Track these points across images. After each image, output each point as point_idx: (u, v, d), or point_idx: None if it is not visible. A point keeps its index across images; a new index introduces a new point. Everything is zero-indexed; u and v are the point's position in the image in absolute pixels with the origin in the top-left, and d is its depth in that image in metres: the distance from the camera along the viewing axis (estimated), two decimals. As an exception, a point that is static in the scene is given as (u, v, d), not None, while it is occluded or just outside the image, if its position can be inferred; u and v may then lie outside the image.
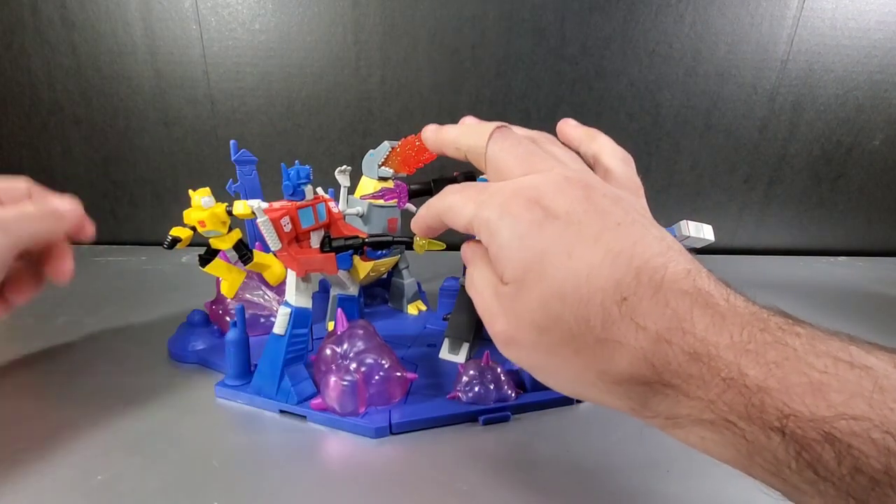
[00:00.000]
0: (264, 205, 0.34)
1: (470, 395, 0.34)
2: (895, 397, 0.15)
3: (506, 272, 0.22)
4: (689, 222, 0.41)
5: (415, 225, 0.29)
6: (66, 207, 0.37)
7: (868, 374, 0.15)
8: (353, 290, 0.46)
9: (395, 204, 0.38)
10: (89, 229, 0.38)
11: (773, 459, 0.16)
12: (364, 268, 0.47)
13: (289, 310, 0.34)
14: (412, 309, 0.51)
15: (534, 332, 0.21)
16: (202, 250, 0.38)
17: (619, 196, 0.23)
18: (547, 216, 0.21)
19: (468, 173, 0.38)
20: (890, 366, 0.15)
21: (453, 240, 0.46)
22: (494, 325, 0.22)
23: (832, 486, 0.15)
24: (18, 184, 0.37)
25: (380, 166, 0.44)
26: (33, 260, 0.35)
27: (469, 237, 0.27)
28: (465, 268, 0.54)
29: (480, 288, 0.24)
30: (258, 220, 0.32)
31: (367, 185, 0.46)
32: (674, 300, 0.18)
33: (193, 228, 0.36)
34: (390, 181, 0.45)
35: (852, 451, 0.14)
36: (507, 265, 0.21)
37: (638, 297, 0.19)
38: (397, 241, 0.37)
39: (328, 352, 0.34)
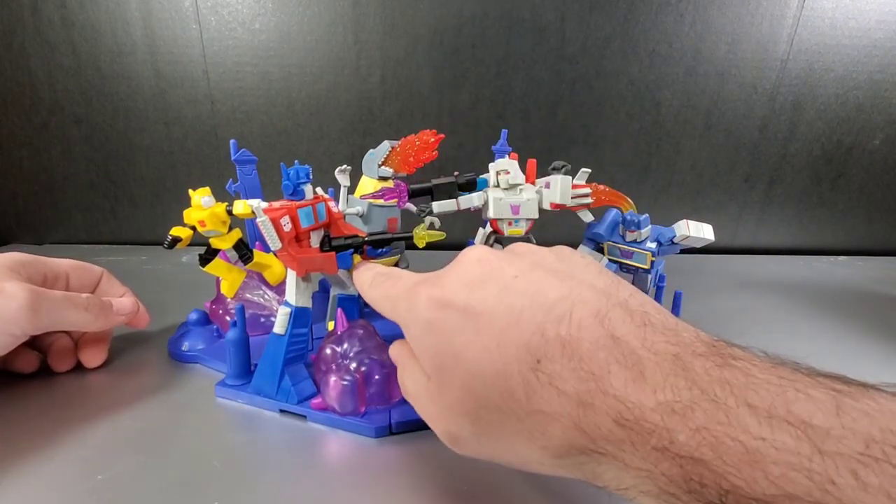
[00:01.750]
0: (264, 204, 0.34)
1: (470, 394, 0.34)
2: (835, 464, 0.13)
3: (426, 366, 0.22)
4: (689, 222, 0.41)
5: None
6: (122, 308, 0.40)
7: (806, 435, 0.14)
8: (353, 290, 0.46)
9: (396, 204, 0.38)
10: (143, 320, 0.42)
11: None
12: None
13: (289, 309, 0.34)
14: (412, 309, 0.51)
15: (468, 422, 0.20)
16: (202, 250, 0.38)
17: (505, 253, 0.23)
18: (443, 305, 0.21)
19: (468, 174, 0.38)
20: (830, 409, 0.14)
21: (453, 237, 0.46)
22: (436, 428, 0.22)
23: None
24: (93, 270, 0.41)
25: (380, 166, 0.44)
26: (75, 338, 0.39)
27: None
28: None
29: (413, 392, 0.24)
30: (258, 220, 0.32)
31: (367, 184, 0.46)
32: (587, 356, 0.17)
33: (193, 228, 0.36)
34: (390, 181, 0.45)
35: None
36: (424, 359, 0.22)
37: (549, 357, 0.18)
38: (397, 238, 0.37)
39: (328, 351, 0.34)
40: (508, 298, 0.19)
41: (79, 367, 0.40)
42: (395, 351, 0.27)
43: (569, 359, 0.17)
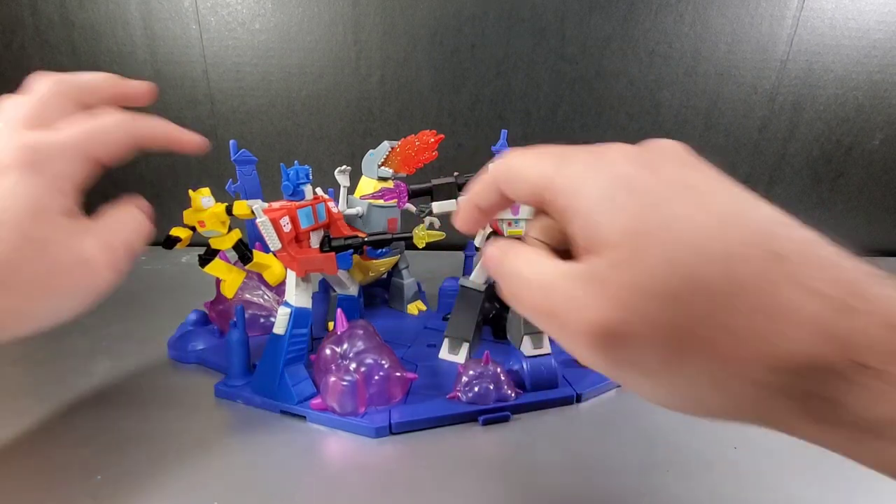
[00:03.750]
0: (264, 205, 0.34)
1: (470, 395, 0.34)
2: None
3: (600, 238, 0.15)
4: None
5: (463, 209, 0.22)
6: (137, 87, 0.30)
7: None
8: (352, 290, 0.46)
9: (395, 204, 0.38)
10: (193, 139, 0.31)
11: None
12: (364, 270, 0.47)
13: (289, 310, 0.34)
14: (412, 309, 0.51)
15: (660, 307, 0.14)
16: (202, 250, 0.38)
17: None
18: (652, 167, 0.16)
19: (468, 175, 0.38)
20: None
21: (453, 238, 0.46)
22: (582, 314, 0.15)
23: None
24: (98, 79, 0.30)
25: (379, 166, 0.44)
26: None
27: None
28: (465, 267, 0.54)
29: (537, 278, 0.17)
30: (258, 221, 0.32)
31: (367, 185, 0.46)
32: (839, 261, 0.14)
33: (193, 228, 0.36)
34: (390, 181, 0.45)
35: None
36: (606, 227, 0.15)
37: (798, 254, 0.14)
38: (397, 238, 0.37)
39: (328, 352, 0.35)
40: (729, 188, 0.16)
41: (78, 366, 0.40)
42: (499, 246, 0.19)
43: (820, 263, 0.14)
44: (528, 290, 0.17)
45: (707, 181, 0.16)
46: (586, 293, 0.15)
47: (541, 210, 0.19)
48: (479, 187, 0.21)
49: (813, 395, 0.14)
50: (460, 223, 0.23)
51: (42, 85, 0.26)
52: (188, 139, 0.30)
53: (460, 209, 0.23)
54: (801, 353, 0.13)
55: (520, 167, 0.19)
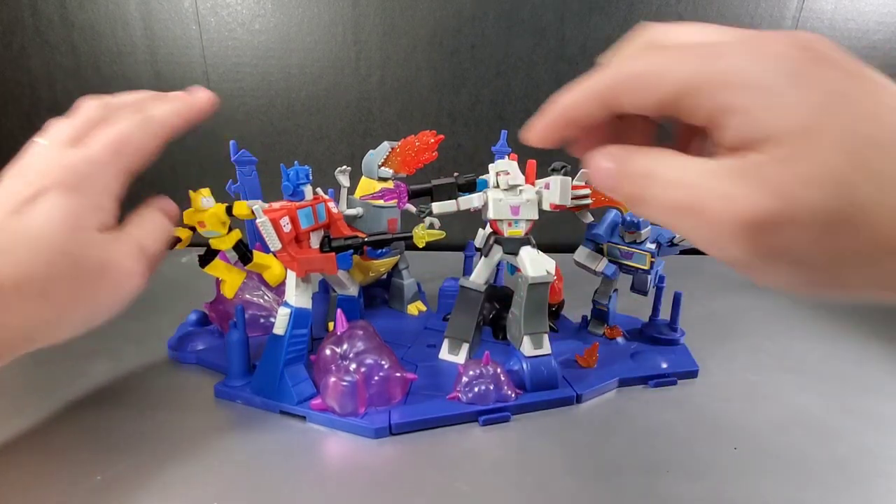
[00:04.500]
0: (264, 205, 0.34)
1: (470, 395, 0.34)
2: None
3: (764, 134, 0.15)
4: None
5: (549, 118, 0.20)
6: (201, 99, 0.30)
7: None
8: (352, 291, 0.46)
9: (395, 204, 0.38)
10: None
11: None
12: (364, 271, 0.47)
13: (288, 310, 0.34)
14: (412, 309, 0.51)
15: (823, 193, 0.14)
16: (202, 251, 0.38)
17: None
18: (817, 59, 0.15)
19: (468, 175, 0.38)
20: None
21: (453, 238, 0.46)
22: (736, 206, 0.15)
23: None
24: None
25: (380, 167, 0.44)
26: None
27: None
28: (465, 267, 0.54)
29: (676, 175, 0.16)
30: (258, 221, 0.32)
31: (367, 185, 0.46)
32: None
33: (193, 229, 0.36)
34: (390, 181, 0.45)
35: None
36: (774, 123, 0.15)
37: None
38: (397, 238, 0.37)
39: (328, 352, 0.34)
40: (889, 81, 0.16)
41: (78, 366, 0.40)
42: (615, 147, 0.18)
43: None
44: (665, 188, 0.17)
45: (871, 73, 0.16)
46: (741, 187, 0.15)
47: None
48: (581, 95, 0.19)
49: None
50: (538, 133, 0.21)
51: (88, 106, 0.29)
52: (200, 106, 0.30)
53: (545, 119, 0.21)
54: None
55: (655, 70, 0.17)
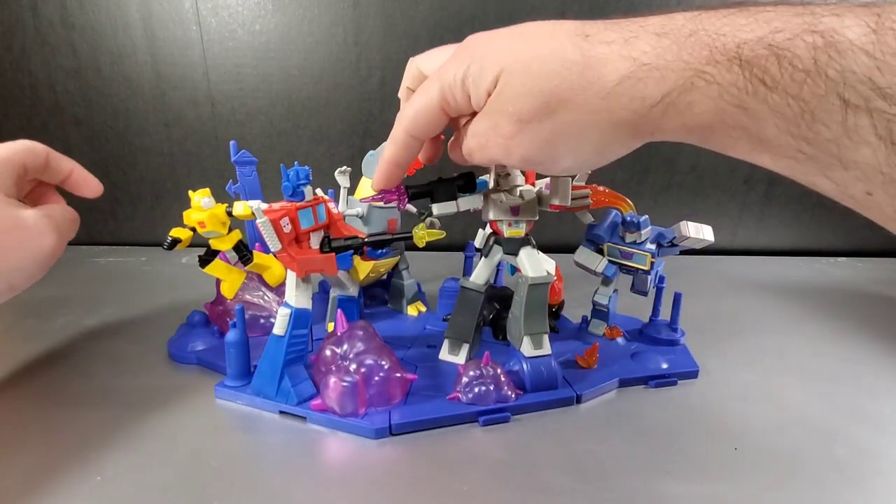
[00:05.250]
0: (264, 206, 0.34)
1: (470, 395, 0.34)
2: (823, 11, 0.18)
3: (486, 85, 0.25)
4: (689, 223, 0.41)
5: (383, 171, 0.31)
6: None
7: (807, 10, 0.18)
8: (352, 291, 0.46)
9: (396, 205, 0.38)
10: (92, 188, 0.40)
11: (736, 92, 0.20)
12: (364, 268, 0.47)
13: (289, 311, 0.34)
14: (412, 310, 0.51)
15: (531, 97, 0.23)
16: (202, 251, 0.38)
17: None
18: (489, 37, 0.26)
19: (468, 174, 0.38)
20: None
21: (453, 238, 0.46)
22: (498, 131, 0.25)
23: (777, 93, 0.19)
24: (38, 152, 0.37)
25: (380, 167, 0.44)
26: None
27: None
28: (465, 267, 0.54)
29: (472, 129, 0.27)
30: (258, 221, 0.32)
31: (367, 185, 0.46)
32: (623, 22, 0.23)
33: (193, 229, 0.36)
34: (390, 182, 0.45)
35: (788, 56, 0.18)
36: (484, 79, 0.25)
37: (595, 29, 0.23)
38: (397, 238, 0.37)
39: (328, 353, 0.35)
40: (545, 24, 0.25)
41: (78, 367, 0.40)
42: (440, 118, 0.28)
43: (611, 27, 0.23)
44: (471, 137, 0.27)
45: (525, 27, 0.25)
46: (492, 118, 0.26)
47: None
48: (394, 146, 0.30)
49: (635, 96, 0.22)
50: (380, 183, 0.32)
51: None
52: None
53: (380, 172, 0.31)
54: (614, 76, 0.22)
55: (420, 106, 0.28)
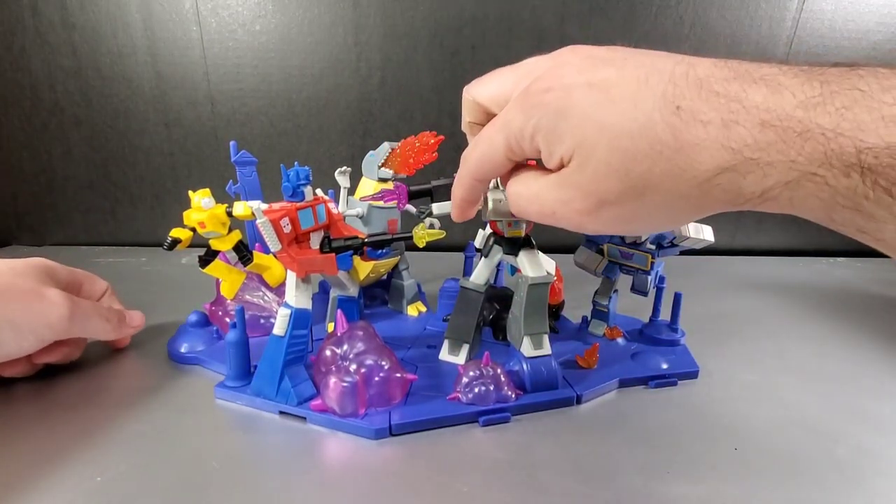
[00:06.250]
0: (264, 206, 0.34)
1: (470, 396, 0.34)
2: None
3: (562, 151, 0.23)
4: (689, 223, 0.41)
5: (456, 211, 0.31)
6: (133, 321, 0.42)
7: None
8: (352, 292, 0.46)
9: (395, 205, 0.38)
10: (126, 341, 0.44)
11: (853, 195, 0.18)
12: (364, 268, 0.47)
13: (289, 311, 0.34)
14: (412, 310, 0.51)
15: (616, 180, 0.22)
16: (202, 251, 0.38)
17: (601, 49, 0.24)
18: (564, 87, 0.22)
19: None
20: None
21: (453, 238, 0.46)
22: (572, 206, 0.23)
23: None
24: (100, 283, 0.43)
25: (380, 167, 0.44)
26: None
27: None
28: (465, 268, 0.54)
29: (536, 189, 0.25)
30: (258, 222, 0.32)
31: (367, 186, 0.46)
32: (721, 89, 0.20)
33: (193, 230, 0.36)
34: (390, 182, 0.45)
35: None
36: (560, 143, 0.22)
37: (688, 99, 0.20)
38: (397, 238, 0.37)
39: (328, 353, 0.34)
40: (629, 71, 0.22)
41: (78, 367, 0.40)
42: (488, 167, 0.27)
43: (706, 96, 0.20)
44: (529, 202, 0.26)
45: (612, 63, 0.22)
46: (567, 193, 0.23)
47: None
48: (462, 189, 0.29)
49: (728, 186, 0.20)
50: (458, 216, 0.32)
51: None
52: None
53: (455, 208, 0.31)
54: (709, 166, 0.20)
55: (485, 156, 0.26)
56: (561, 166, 0.23)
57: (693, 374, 0.41)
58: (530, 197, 0.25)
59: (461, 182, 0.29)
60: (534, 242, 0.38)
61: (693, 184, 0.20)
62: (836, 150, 0.17)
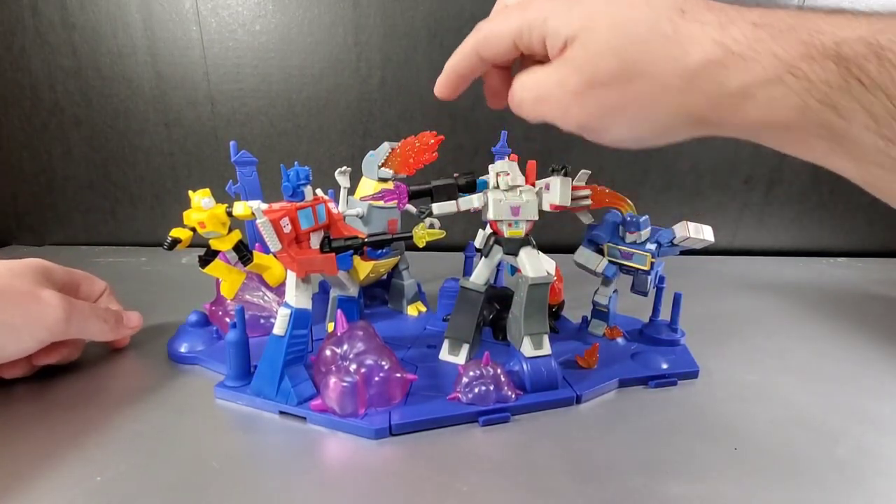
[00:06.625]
0: (264, 206, 0.34)
1: (470, 396, 0.34)
2: None
3: (568, 33, 0.24)
4: (689, 223, 0.41)
5: (446, 76, 0.31)
6: (131, 321, 0.42)
7: None
8: (352, 291, 0.46)
9: (395, 205, 0.38)
10: (125, 341, 0.44)
11: (828, 89, 0.19)
12: (364, 268, 0.47)
13: (289, 311, 0.34)
14: (412, 310, 0.51)
15: (612, 57, 0.23)
16: (202, 251, 0.38)
17: None
18: None
19: (468, 174, 0.39)
20: None
21: (453, 238, 0.46)
22: (566, 87, 0.25)
23: (872, 92, 0.18)
24: (99, 283, 0.43)
25: (380, 167, 0.45)
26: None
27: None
28: (465, 268, 0.54)
29: (535, 79, 0.27)
30: (258, 221, 0.32)
31: (367, 186, 0.46)
32: (723, 5, 0.22)
33: (193, 229, 0.36)
34: (390, 182, 0.45)
35: (889, 56, 0.18)
36: (568, 26, 0.24)
37: (693, 5, 0.22)
38: (397, 238, 0.37)
39: (328, 353, 0.35)
40: None
41: (78, 367, 0.40)
42: (496, 79, 0.30)
43: (709, 7, 0.22)
44: (528, 90, 0.27)
45: None
46: (564, 73, 0.25)
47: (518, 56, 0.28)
48: (460, 56, 0.30)
49: (712, 81, 0.22)
50: (442, 89, 0.31)
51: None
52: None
53: (442, 77, 0.31)
54: (699, 58, 0.21)
55: (495, 29, 0.28)
56: (559, 55, 0.25)
57: (693, 374, 0.41)
58: (530, 84, 0.27)
59: (461, 48, 0.29)
60: (534, 242, 0.38)
61: (681, 73, 0.22)
62: (817, 45, 0.19)
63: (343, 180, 0.45)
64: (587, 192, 0.41)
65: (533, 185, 0.39)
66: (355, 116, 0.74)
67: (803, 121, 0.20)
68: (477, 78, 0.31)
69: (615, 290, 0.47)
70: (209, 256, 0.38)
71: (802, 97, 0.20)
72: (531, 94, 0.27)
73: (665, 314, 0.46)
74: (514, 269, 0.40)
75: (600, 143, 0.27)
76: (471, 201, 0.38)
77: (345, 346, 0.34)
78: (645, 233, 0.42)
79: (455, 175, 0.39)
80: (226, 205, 0.36)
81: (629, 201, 0.44)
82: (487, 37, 0.28)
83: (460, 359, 0.41)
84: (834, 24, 0.19)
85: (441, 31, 0.70)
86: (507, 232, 0.38)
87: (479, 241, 0.49)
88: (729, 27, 0.21)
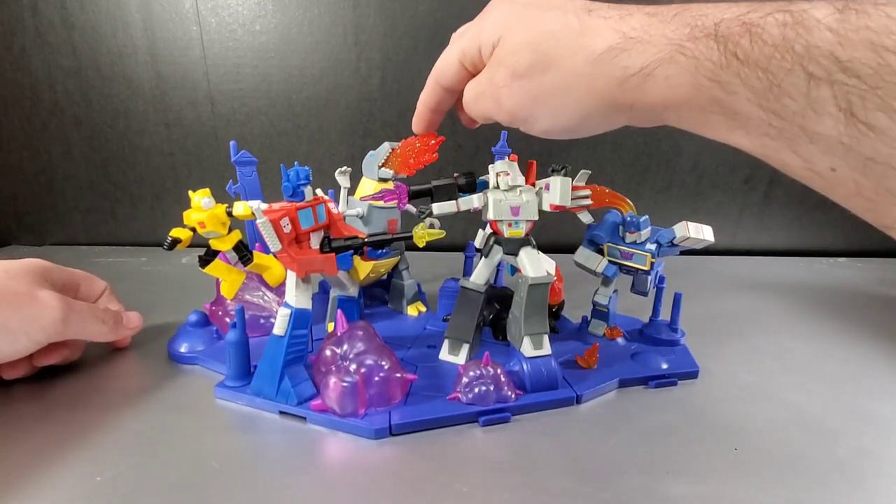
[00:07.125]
0: (264, 206, 0.34)
1: (470, 396, 0.34)
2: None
3: (493, 38, 0.28)
4: (690, 223, 0.41)
5: (419, 114, 0.37)
6: (131, 322, 0.42)
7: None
8: (352, 291, 0.46)
9: (395, 205, 0.38)
10: (126, 340, 0.44)
11: (711, 65, 0.21)
12: (364, 268, 0.47)
13: (289, 311, 0.34)
14: (412, 310, 0.51)
15: (528, 51, 0.27)
16: (202, 251, 0.38)
17: None
18: (505, 2, 0.29)
19: (468, 174, 0.39)
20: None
21: (453, 238, 0.46)
22: (495, 81, 0.29)
23: (748, 67, 0.20)
24: (99, 283, 0.43)
25: (380, 167, 0.44)
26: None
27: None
28: (465, 268, 0.54)
29: (475, 82, 0.31)
30: (258, 221, 0.32)
31: (367, 186, 0.46)
32: (625, 5, 0.25)
33: (193, 229, 0.36)
34: (390, 182, 0.45)
35: (759, 32, 0.20)
36: (494, 32, 0.28)
37: (599, 6, 0.26)
38: (397, 238, 0.37)
39: (328, 353, 0.34)
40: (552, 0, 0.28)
41: (78, 367, 0.40)
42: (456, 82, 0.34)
43: (611, 6, 0.25)
44: (469, 90, 0.32)
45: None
46: (492, 72, 0.29)
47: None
48: (426, 91, 0.35)
49: (617, 62, 0.24)
50: (417, 125, 0.37)
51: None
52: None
53: (416, 114, 0.36)
54: (603, 43, 0.24)
55: (444, 58, 0.33)
56: (493, 53, 0.29)
57: (693, 374, 0.41)
58: (471, 86, 0.31)
59: (427, 83, 0.35)
60: (534, 242, 0.38)
61: (589, 60, 0.25)
62: (700, 26, 0.22)
63: (343, 180, 0.45)
64: (587, 192, 0.41)
65: (533, 185, 0.39)
66: (355, 116, 0.74)
67: (699, 97, 0.22)
68: (450, 109, 0.35)
69: (615, 290, 0.47)
70: (209, 256, 0.38)
71: (693, 75, 0.22)
72: (472, 94, 0.31)
73: (665, 314, 0.46)
74: (514, 269, 0.40)
75: (532, 133, 0.30)
76: (471, 201, 0.38)
77: (345, 346, 0.34)
78: (645, 233, 0.42)
79: (455, 175, 0.39)
80: (226, 205, 0.36)
81: (629, 201, 0.44)
82: (439, 66, 0.33)
83: (460, 359, 0.41)
84: (716, 7, 0.22)
85: (441, 31, 0.70)
86: (507, 232, 0.38)
87: (479, 241, 0.49)
88: (627, 18, 0.24)
